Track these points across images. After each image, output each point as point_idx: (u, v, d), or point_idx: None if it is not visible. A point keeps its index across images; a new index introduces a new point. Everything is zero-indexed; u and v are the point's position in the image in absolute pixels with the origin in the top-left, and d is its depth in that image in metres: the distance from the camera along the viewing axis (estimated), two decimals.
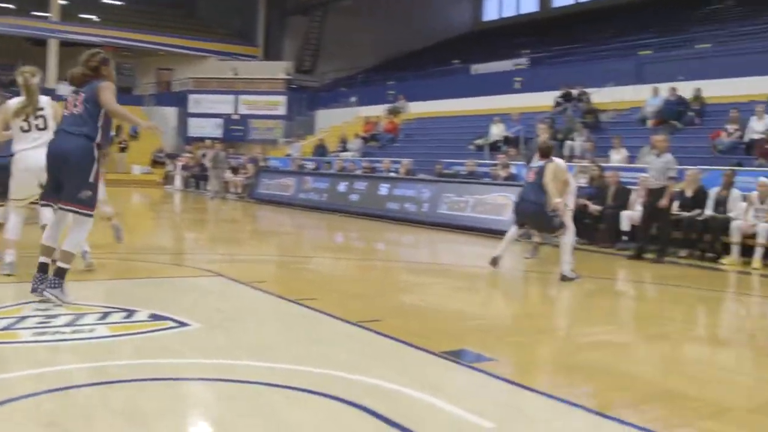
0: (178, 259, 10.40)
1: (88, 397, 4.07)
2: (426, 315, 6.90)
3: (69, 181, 6.08)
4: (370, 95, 35.61)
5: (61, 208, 6.20)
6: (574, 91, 24.11)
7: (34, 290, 6.18)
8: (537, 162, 9.74)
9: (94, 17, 43.39)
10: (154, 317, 5.93)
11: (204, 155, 29.14)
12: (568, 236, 9.37)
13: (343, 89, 39.81)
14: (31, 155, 6.98)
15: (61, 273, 6.10)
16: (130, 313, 6.04)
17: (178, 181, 31.11)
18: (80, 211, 6.14)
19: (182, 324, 5.74)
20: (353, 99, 36.16)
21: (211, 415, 3.94)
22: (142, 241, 11.70)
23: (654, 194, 11.83)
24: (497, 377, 4.69)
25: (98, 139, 6.15)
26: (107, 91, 6.14)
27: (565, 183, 10.27)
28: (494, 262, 9.70)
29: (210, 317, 6.07)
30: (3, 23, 40.02)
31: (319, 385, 4.28)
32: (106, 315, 5.91)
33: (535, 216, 9.61)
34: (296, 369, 4.64)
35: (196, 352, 5.08)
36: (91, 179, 6.10)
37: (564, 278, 9.05)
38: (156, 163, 36.39)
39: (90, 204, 6.15)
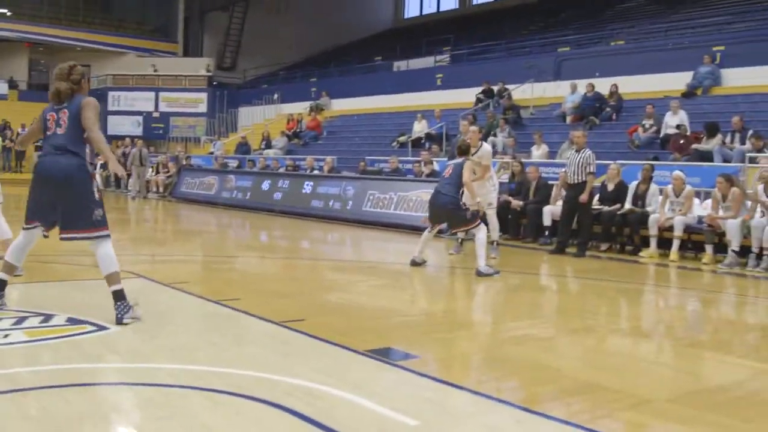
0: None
1: (0, 405, 3.93)
2: (350, 313, 6.88)
3: (75, 206, 5.78)
4: (292, 92, 35.44)
5: (72, 238, 5.90)
6: (495, 88, 24.37)
7: None
8: (456, 159, 9.85)
9: (5, 11, 42.08)
10: (72, 321, 5.80)
11: (124, 154, 28.59)
12: (481, 232, 9.48)
13: (265, 86, 39.49)
14: None
15: (121, 295, 5.85)
16: (47, 317, 5.88)
17: (98, 181, 30.47)
18: (98, 235, 5.88)
19: (101, 327, 5.62)
20: (275, 96, 35.92)
21: (130, 420, 3.86)
22: (59, 243, 11.42)
23: (574, 189, 12.01)
24: (422, 374, 4.69)
25: (88, 156, 5.88)
26: (91, 111, 5.85)
27: (486, 168, 10.46)
28: (413, 263, 9.79)
29: None
30: None
31: (242, 387, 4.23)
32: (22, 320, 5.75)
33: (449, 211, 9.71)
34: (218, 371, 4.57)
35: (115, 356, 4.97)
36: (96, 197, 5.85)
37: (480, 274, 9.14)
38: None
39: (103, 222, 5.90)
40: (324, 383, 4.34)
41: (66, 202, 5.75)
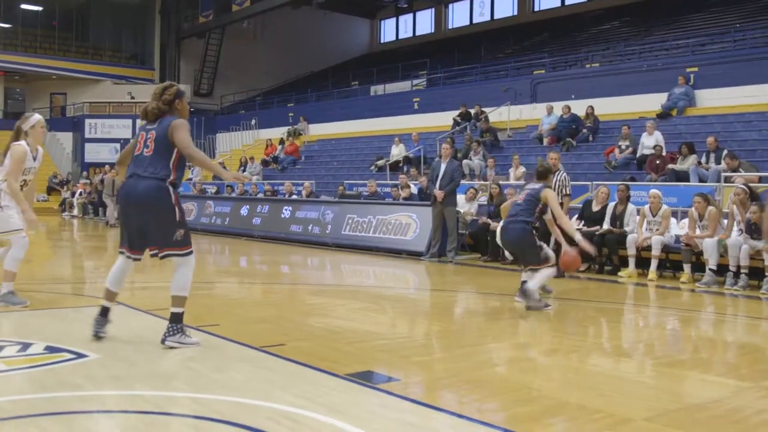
0: (77, 289, 10.11)
1: None
2: (331, 337, 6.86)
3: (157, 229, 5.87)
4: (270, 117, 35.53)
5: (156, 256, 5.99)
6: (472, 111, 24.53)
7: (95, 334, 6.11)
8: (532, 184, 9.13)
9: None
10: (50, 349, 5.74)
11: (102, 181, 28.47)
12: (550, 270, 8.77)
13: (242, 112, 39.57)
14: None
15: (177, 318, 5.96)
16: (25, 345, 5.83)
17: (75, 209, 30.30)
18: (179, 252, 5.94)
19: (80, 355, 5.57)
20: (253, 122, 35.96)
21: None
22: (38, 271, 11.34)
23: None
24: (404, 398, 4.69)
25: (171, 177, 5.81)
26: (182, 131, 5.75)
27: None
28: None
29: (109, 347, 5.90)
30: None
31: (223, 413, 4.21)
32: None
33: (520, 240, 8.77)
34: (199, 397, 4.55)
35: (94, 384, 4.92)
36: (178, 218, 5.86)
37: (527, 296, 8.53)
38: (52, 189, 35.40)
39: (186, 242, 5.95)
40: (306, 408, 4.33)
41: (147, 224, 5.87)
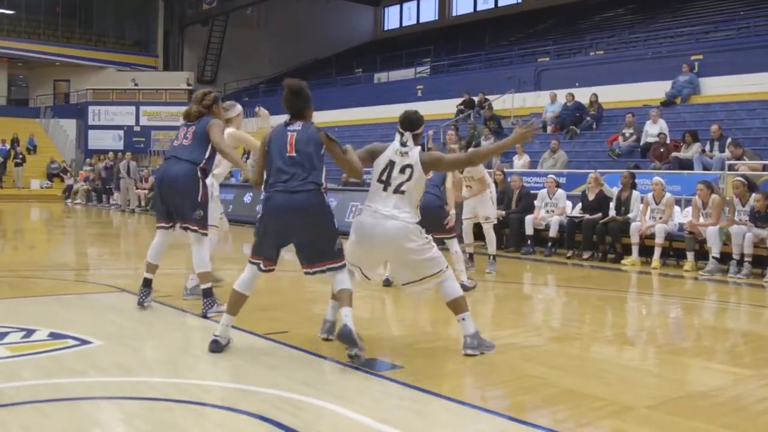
0: (81, 275, 10.11)
1: None
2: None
3: (182, 205, 6.71)
4: (273, 105, 35.05)
5: (182, 228, 6.85)
6: (476, 98, 24.46)
7: (140, 303, 7.00)
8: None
9: None
10: (54, 336, 5.77)
11: (106, 167, 28.50)
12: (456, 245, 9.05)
13: (246, 99, 39.48)
14: None
15: (207, 293, 6.81)
16: (29, 332, 5.85)
17: (79, 195, 30.34)
18: (198, 230, 6.76)
19: (84, 342, 5.59)
20: (257, 109, 35.86)
21: None
22: (42, 257, 11.37)
23: None
24: (407, 385, 4.69)
25: (203, 163, 6.77)
26: (217, 129, 6.82)
27: (481, 182, 10.19)
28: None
29: (113, 334, 5.92)
30: None
31: (227, 400, 4.23)
32: (3, 335, 5.71)
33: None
34: (203, 384, 4.57)
35: (98, 370, 4.94)
36: (200, 199, 6.69)
37: (465, 288, 8.80)
38: (54, 176, 35.40)
39: (202, 224, 6.77)
40: (309, 395, 4.34)
41: (175, 200, 6.84)
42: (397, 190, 5.48)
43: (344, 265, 5.52)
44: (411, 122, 5.62)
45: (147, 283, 7.05)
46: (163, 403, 4.20)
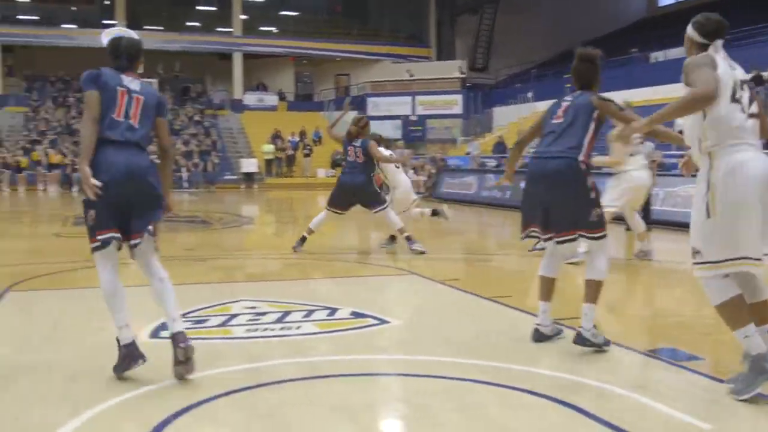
0: (371, 259, 10.48)
1: (300, 390, 4.23)
2: (623, 313, 6.73)
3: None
4: (545, 90, 35.03)
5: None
6: (766, 74, 22.86)
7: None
8: None
9: (273, 29, 45.22)
10: (355, 315, 6.11)
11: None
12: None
13: (518, 85, 39.43)
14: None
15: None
16: (333, 310, 6.24)
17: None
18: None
19: (382, 321, 5.88)
20: (529, 94, 35.73)
21: (421, 410, 3.94)
22: (333, 242, 12.05)
23: None
24: (705, 375, 4.51)
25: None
26: (375, 148, 9.73)
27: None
28: None
29: (408, 314, 6.18)
30: (191, 40, 42.62)
31: (524, 382, 4.25)
32: (310, 312, 6.14)
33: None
34: (500, 366, 4.62)
35: (399, 348, 5.18)
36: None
37: None
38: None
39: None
40: (609, 382, 4.28)
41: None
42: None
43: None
44: None
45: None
46: (464, 383, 4.30)
